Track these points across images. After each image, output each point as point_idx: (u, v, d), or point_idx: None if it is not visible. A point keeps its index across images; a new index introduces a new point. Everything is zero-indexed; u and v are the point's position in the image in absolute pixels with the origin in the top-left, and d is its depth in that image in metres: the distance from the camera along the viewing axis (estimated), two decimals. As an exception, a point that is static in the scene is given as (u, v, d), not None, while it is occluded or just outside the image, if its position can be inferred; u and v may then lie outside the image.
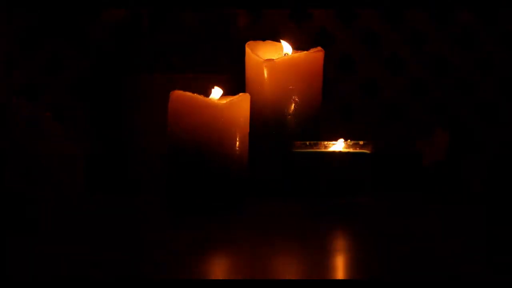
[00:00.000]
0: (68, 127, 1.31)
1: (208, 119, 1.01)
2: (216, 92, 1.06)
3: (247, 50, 1.16)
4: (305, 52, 1.15)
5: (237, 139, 1.03)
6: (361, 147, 1.03)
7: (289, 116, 1.13)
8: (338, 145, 1.03)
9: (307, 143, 1.04)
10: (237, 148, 1.03)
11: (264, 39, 1.19)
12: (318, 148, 1.03)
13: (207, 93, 1.06)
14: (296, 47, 1.17)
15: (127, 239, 0.86)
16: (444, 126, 1.30)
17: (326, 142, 1.03)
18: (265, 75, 1.13)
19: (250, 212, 1.04)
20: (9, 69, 1.39)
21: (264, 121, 1.13)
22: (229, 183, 1.02)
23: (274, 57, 1.15)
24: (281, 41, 1.17)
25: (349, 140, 1.03)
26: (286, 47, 1.17)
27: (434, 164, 1.26)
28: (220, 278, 0.68)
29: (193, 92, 1.02)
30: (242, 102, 1.04)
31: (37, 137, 1.21)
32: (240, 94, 1.05)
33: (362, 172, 1.03)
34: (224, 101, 1.05)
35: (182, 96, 1.02)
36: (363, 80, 1.47)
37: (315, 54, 1.14)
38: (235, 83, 1.18)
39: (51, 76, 1.41)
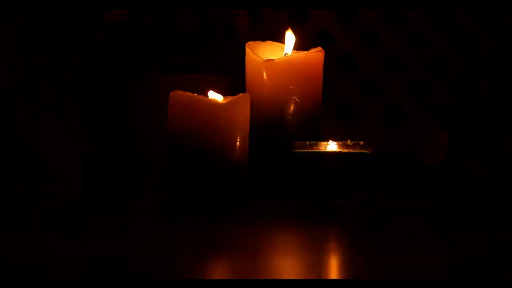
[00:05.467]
0: (68, 127, 1.31)
1: (208, 119, 1.01)
2: (214, 95, 1.06)
3: (247, 50, 1.16)
4: (305, 52, 1.15)
5: (237, 139, 1.03)
6: (361, 147, 1.03)
7: (289, 116, 1.13)
8: (338, 145, 1.03)
9: (307, 143, 1.04)
10: (237, 148, 1.03)
11: (264, 39, 1.19)
12: (318, 148, 1.03)
13: (207, 93, 1.06)
14: (296, 47, 1.17)
15: (127, 239, 0.86)
16: (444, 126, 1.30)
17: (326, 142, 1.04)
18: (265, 75, 1.13)
19: (250, 212, 1.04)
20: (9, 69, 1.39)
21: (264, 121, 1.13)
22: (229, 183, 1.02)
23: (274, 57, 1.15)
24: (287, 32, 1.16)
25: (349, 140, 1.03)
26: (288, 42, 1.16)
27: (434, 164, 1.26)
28: (220, 278, 0.68)
29: (193, 92, 1.03)
30: (242, 102, 1.04)
31: (37, 137, 1.20)
32: (240, 94, 1.05)
33: (362, 172, 1.03)
34: (224, 101, 1.05)
35: (182, 96, 1.02)
36: (363, 80, 1.47)
37: (315, 54, 1.14)
38: (235, 83, 1.18)
39: (51, 76, 1.41)
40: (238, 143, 1.03)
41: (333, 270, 0.72)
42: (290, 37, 1.16)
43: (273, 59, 1.14)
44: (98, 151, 1.37)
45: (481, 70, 1.47)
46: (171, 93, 1.03)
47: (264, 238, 0.87)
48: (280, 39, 1.19)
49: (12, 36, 1.40)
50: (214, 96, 1.06)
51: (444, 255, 0.77)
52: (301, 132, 1.13)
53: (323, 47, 1.16)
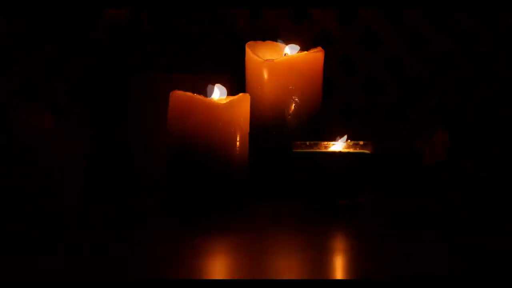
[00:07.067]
0: (68, 127, 1.31)
1: (208, 119, 1.01)
2: (216, 92, 1.06)
3: (247, 50, 1.16)
4: (305, 52, 1.15)
5: (237, 139, 1.03)
6: (361, 147, 1.03)
7: (289, 116, 1.13)
8: (338, 145, 1.03)
9: (307, 143, 1.04)
10: (237, 148, 1.03)
11: (264, 39, 1.19)
12: (318, 148, 1.03)
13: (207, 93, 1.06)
14: (296, 47, 1.17)
15: (127, 239, 0.86)
16: (444, 126, 1.30)
17: (326, 142, 1.04)
18: (265, 75, 1.13)
19: (250, 212, 1.04)
20: (9, 69, 1.39)
21: (264, 121, 1.13)
22: (229, 183, 1.02)
23: (274, 57, 1.15)
24: (287, 45, 1.17)
25: (349, 140, 1.03)
26: (290, 48, 1.17)
27: (434, 164, 1.26)
28: (220, 278, 0.68)
29: (193, 92, 1.03)
30: (242, 102, 1.04)
31: (37, 137, 1.20)
32: (240, 94, 1.05)
33: (362, 172, 1.03)
34: (224, 101, 1.05)
35: (182, 96, 1.02)
36: (363, 80, 1.47)
37: (315, 54, 1.14)
38: (235, 83, 1.18)
39: (51, 76, 1.41)
40: (238, 143, 1.03)
41: (333, 270, 0.72)
42: (293, 47, 1.17)
43: (273, 59, 1.14)
44: (98, 151, 1.37)
45: (481, 70, 1.47)
46: (171, 93, 1.03)
47: (263, 238, 0.87)
48: (281, 40, 1.19)
49: (12, 36, 1.40)
50: (217, 92, 1.06)
51: (444, 255, 0.76)
52: (301, 132, 1.13)
53: (323, 47, 1.16)
